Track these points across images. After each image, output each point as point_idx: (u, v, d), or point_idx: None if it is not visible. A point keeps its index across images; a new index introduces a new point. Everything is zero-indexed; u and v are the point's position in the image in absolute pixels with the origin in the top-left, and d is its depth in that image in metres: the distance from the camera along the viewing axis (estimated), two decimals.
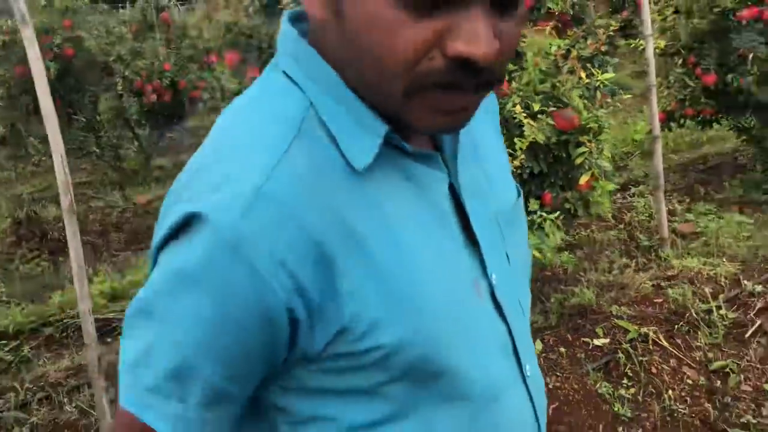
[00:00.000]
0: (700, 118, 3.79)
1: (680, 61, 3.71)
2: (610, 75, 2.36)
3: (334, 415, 0.55)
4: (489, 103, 0.68)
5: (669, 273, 2.95)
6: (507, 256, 0.65)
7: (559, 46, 2.27)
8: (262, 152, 0.50)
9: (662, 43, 3.46)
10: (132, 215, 4.72)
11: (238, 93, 0.64)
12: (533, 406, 0.65)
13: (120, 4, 6.96)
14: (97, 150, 5.39)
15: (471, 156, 0.63)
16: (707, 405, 2.17)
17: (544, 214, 2.17)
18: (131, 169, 5.74)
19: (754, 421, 2.06)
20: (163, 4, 5.72)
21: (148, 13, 5.56)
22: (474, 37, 0.45)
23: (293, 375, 0.54)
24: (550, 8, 2.59)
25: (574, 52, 2.32)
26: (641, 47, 3.04)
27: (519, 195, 0.71)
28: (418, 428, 0.57)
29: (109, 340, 2.89)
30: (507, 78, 2.22)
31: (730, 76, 3.45)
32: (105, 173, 5.62)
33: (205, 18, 6.46)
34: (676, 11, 3.74)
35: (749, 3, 3.41)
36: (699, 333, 2.49)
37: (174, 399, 0.50)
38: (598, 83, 2.31)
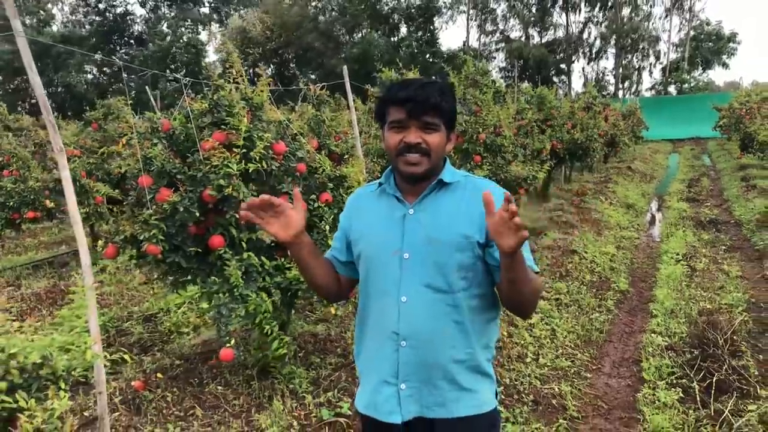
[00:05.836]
0: None
1: None
2: None
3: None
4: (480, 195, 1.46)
5: None
6: (425, 254, 1.57)
7: None
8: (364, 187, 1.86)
9: None
10: None
11: None
12: (398, 315, 1.59)
13: None
14: None
15: (430, 208, 1.62)
16: None
17: None
18: None
19: None
20: None
21: None
22: (409, 136, 1.57)
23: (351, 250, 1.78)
24: None
25: None
26: None
27: (469, 244, 1.57)
28: (362, 297, 1.72)
29: None
30: None
31: None
32: None
33: None
34: None
35: None
36: None
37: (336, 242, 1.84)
38: None
